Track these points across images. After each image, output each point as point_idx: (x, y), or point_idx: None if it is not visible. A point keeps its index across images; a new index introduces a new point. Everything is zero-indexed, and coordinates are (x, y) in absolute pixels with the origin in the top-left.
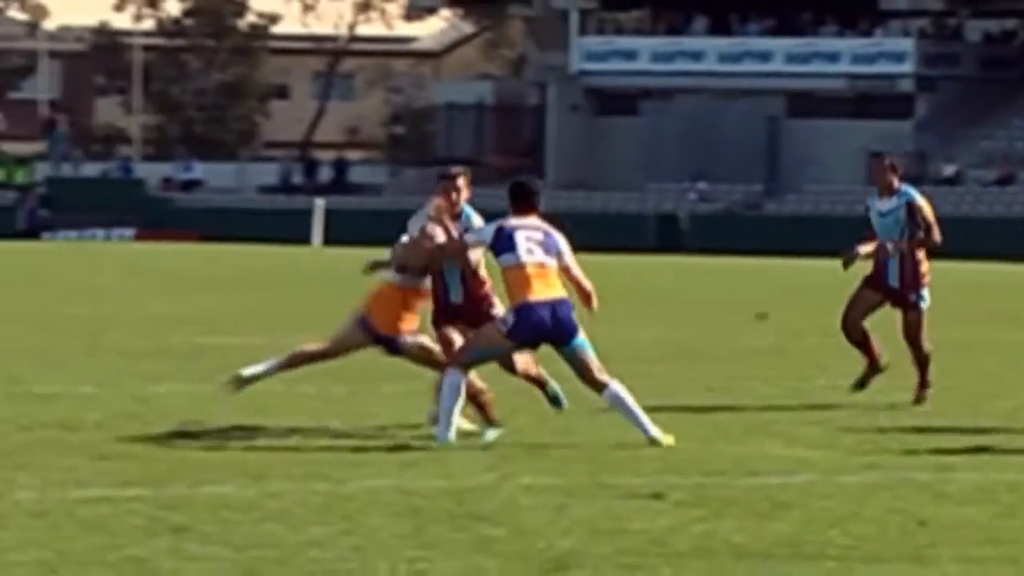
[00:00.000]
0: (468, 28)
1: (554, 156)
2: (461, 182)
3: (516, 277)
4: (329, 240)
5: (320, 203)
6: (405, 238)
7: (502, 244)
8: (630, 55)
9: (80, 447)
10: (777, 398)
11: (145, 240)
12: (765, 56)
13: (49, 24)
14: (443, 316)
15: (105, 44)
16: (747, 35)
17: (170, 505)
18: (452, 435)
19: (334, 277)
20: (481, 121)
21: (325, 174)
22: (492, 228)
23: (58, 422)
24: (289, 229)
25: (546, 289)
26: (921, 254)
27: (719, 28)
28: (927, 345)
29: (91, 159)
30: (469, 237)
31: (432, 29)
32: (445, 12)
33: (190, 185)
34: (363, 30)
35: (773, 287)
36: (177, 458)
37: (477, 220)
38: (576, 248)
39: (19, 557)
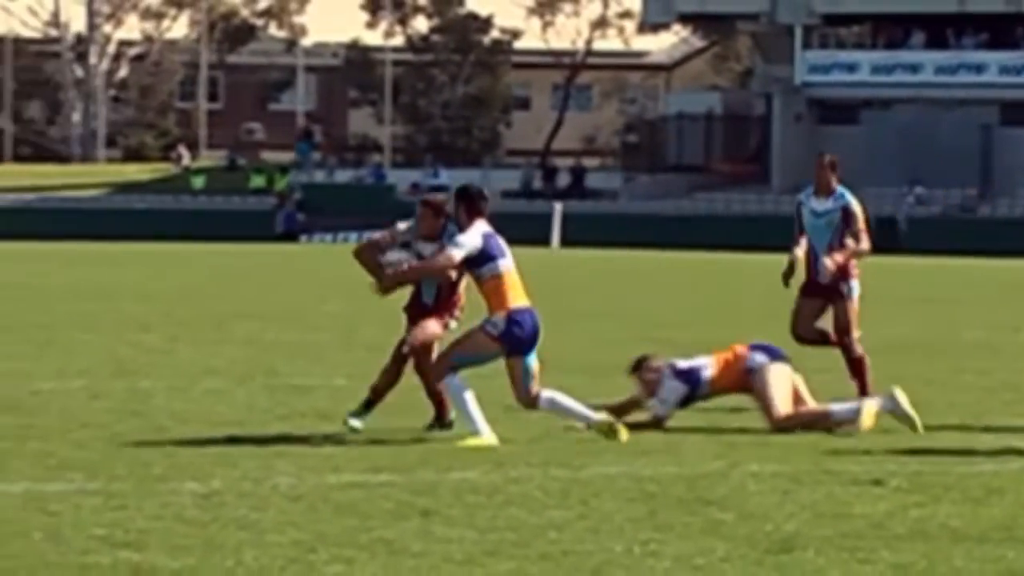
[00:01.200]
0: (698, 43)
1: (778, 162)
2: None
3: (503, 282)
4: (567, 241)
5: (559, 207)
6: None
7: (491, 250)
8: (851, 68)
9: (335, 435)
10: (991, 390)
11: None
12: (980, 68)
13: (306, 41)
14: (414, 311)
15: (358, 59)
16: (963, 49)
17: (418, 490)
18: (486, 428)
19: (571, 276)
20: (710, 130)
21: (563, 180)
22: (478, 233)
23: (314, 412)
24: (530, 231)
25: (524, 296)
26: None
27: (936, 42)
28: (858, 348)
29: (344, 166)
30: (454, 250)
31: (664, 44)
32: (677, 27)
33: (437, 190)
34: (599, 45)
35: (986, 285)
36: (425, 446)
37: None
38: None
39: (278, 538)
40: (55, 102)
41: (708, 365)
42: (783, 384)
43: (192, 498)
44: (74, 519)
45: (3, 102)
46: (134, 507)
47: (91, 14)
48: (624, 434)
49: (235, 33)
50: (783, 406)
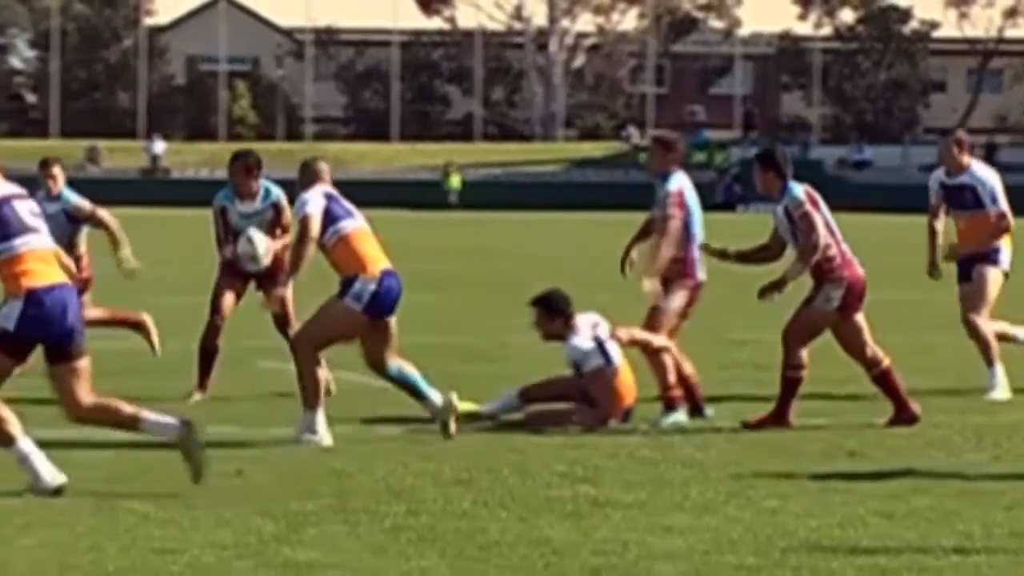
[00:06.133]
0: None
1: None
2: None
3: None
4: None
5: None
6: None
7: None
8: None
9: (769, 383)
10: None
11: None
12: None
13: (743, 31)
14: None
15: (790, 48)
16: None
17: (847, 433)
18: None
19: None
20: None
21: (976, 155)
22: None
23: (751, 363)
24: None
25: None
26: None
27: None
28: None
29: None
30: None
31: None
32: None
33: (861, 165)
34: (1011, 33)
35: None
36: (852, 391)
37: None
38: None
39: (720, 475)
40: (517, 87)
41: None
42: None
43: (643, 439)
44: (539, 457)
45: (473, 88)
46: (591, 446)
47: (552, 9)
48: (453, 427)
49: (679, 25)
50: None
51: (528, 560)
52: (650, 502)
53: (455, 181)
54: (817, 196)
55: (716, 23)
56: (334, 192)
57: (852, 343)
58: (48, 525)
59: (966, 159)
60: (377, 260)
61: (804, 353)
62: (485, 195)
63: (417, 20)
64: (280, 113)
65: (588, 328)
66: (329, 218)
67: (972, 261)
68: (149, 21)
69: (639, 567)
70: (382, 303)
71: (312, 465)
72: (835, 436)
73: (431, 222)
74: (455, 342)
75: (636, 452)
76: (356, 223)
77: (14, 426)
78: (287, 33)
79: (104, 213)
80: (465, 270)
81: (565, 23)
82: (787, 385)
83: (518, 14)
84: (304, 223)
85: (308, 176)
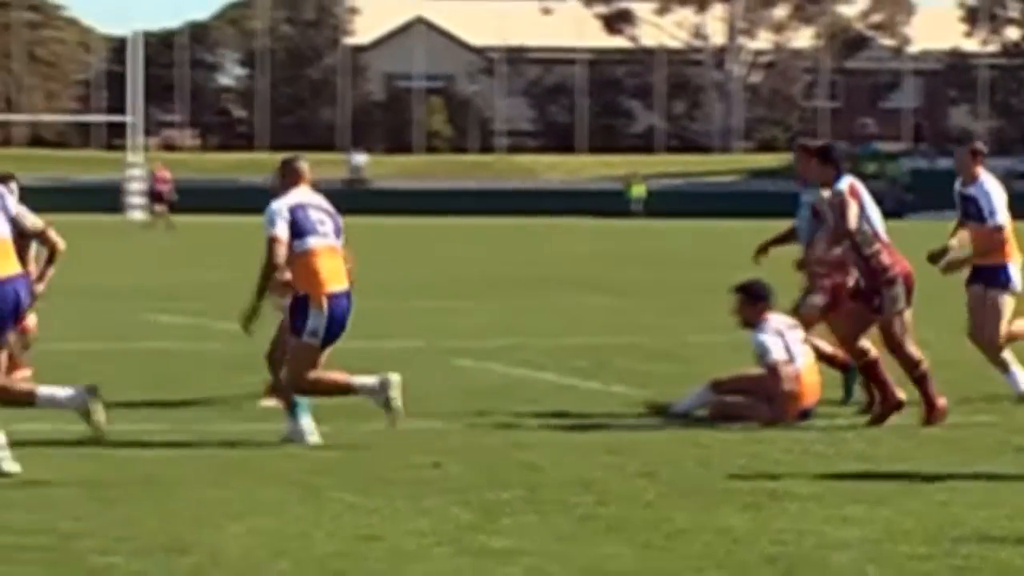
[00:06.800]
0: None
1: None
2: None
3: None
4: None
5: None
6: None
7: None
8: None
9: (952, 380)
10: None
11: None
12: None
13: (912, 48)
14: None
15: (957, 64)
16: None
17: (1015, 429)
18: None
19: None
20: None
21: None
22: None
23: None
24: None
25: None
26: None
27: None
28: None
29: (945, 156)
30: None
31: None
32: None
33: None
34: None
35: None
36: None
37: None
38: None
39: (891, 468)
40: (697, 102)
41: None
42: None
43: (819, 435)
44: (720, 451)
45: (655, 103)
46: (769, 442)
47: (732, 28)
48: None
49: (851, 42)
50: None
51: (710, 548)
52: (825, 494)
53: (639, 191)
54: (860, 188)
55: (887, 41)
56: (309, 199)
57: (844, 329)
58: (257, 513)
59: (978, 170)
60: (331, 280)
61: (913, 348)
62: (667, 204)
63: (601, 39)
64: (473, 127)
65: (780, 325)
66: (294, 231)
67: (980, 272)
68: (350, 41)
69: (815, 555)
70: (333, 332)
71: (506, 458)
72: (1003, 433)
73: (615, 230)
74: (638, 342)
75: (812, 448)
76: (320, 240)
77: (26, 383)
78: (479, 52)
79: (53, 233)
80: (647, 275)
81: (742, 41)
82: (920, 384)
83: (698, 33)
84: (271, 248)
85: (290, 177)
